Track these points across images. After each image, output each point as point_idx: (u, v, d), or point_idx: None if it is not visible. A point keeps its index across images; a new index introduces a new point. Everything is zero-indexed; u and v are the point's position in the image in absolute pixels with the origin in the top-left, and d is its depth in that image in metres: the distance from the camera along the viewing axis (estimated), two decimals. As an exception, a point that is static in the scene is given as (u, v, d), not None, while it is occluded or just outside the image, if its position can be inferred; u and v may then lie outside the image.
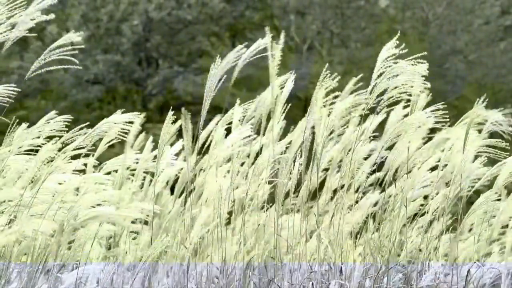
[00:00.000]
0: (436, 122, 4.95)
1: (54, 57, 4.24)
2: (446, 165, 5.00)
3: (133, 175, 5.63)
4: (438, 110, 4.90)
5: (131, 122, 4.48)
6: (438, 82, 25.72)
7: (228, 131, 5.13)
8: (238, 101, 5.22)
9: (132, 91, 30.11)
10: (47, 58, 4.22)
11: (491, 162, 5.11)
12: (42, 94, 26.51)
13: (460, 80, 26.62)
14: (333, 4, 28.98)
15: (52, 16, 4.26)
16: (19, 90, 4.42)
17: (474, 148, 4.92)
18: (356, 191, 5.13)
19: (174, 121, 4.94)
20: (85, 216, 4.05)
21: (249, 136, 4.85)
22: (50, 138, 4.75)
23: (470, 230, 5.66)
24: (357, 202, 5.17)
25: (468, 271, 4.69)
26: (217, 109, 5.49)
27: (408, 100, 4.98)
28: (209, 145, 5.23)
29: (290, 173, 4.84)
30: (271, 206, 5.15)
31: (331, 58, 29.05)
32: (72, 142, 4.36)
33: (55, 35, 32.39)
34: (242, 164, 5.10)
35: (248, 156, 5.27)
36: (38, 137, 4.72)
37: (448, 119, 5.06)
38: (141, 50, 30.82)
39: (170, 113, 4.71)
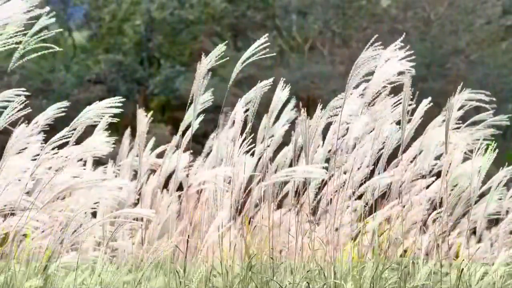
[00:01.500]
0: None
1: (33, 45, 4.25)
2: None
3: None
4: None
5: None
6: (440, 82, 25.72)
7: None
8: (239, 100, 5.22)
9: (134, 90, 30.12)
10: (27, 47, 4.23)
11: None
12: (44, 93, 26.52)
13: (462, 80, 26.60)
14: (334, 4, 28.98)
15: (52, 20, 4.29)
16: (29, 94, 4.45)
17: (462, 146, 4.94)
18: (355, 195, 5.13)
19: (174, 121, 4.97)
20: (60, 187, 4.08)
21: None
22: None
23: (474, 232, 5.67)
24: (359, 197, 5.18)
25: (462, 270, 4.70)
26: (218, 108, 5.50)
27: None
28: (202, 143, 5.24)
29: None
30: (264, 205, 5.16)
31: (333, 58, 29.05)
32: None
33: (56, 34, 32.40)
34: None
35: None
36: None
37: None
38: (143, 50, 30.83)
39: (140, 110, 4.76)
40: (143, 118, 4.89)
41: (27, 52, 4.19)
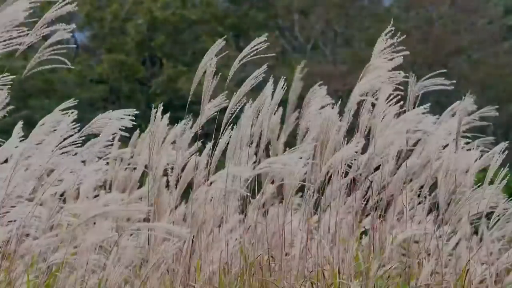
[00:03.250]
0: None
1: (48, 56, 4.24)
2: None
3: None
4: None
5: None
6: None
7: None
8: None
9: (136, 90, 30.13)
10: (41, 57, 4.24)
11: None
12: (46, 93, 26.53)
13: (464, 80, 26.61)
14: (336, 4, 28.98)
15: (73, 26, 4.31)
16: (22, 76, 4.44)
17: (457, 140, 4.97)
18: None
19: (176, 121, 4.97)
20: (88, 215, 4.05)
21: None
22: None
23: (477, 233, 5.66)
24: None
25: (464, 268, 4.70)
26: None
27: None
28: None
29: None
30: (272, 205, 5.15)
31: (335, 58, 29.05)
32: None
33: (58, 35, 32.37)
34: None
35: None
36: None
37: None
38: (145, 50, 30.83)
39: (154, 111, 4.74)
40: (160, 120, 4.81)
41: (40, 63, 4.19)
